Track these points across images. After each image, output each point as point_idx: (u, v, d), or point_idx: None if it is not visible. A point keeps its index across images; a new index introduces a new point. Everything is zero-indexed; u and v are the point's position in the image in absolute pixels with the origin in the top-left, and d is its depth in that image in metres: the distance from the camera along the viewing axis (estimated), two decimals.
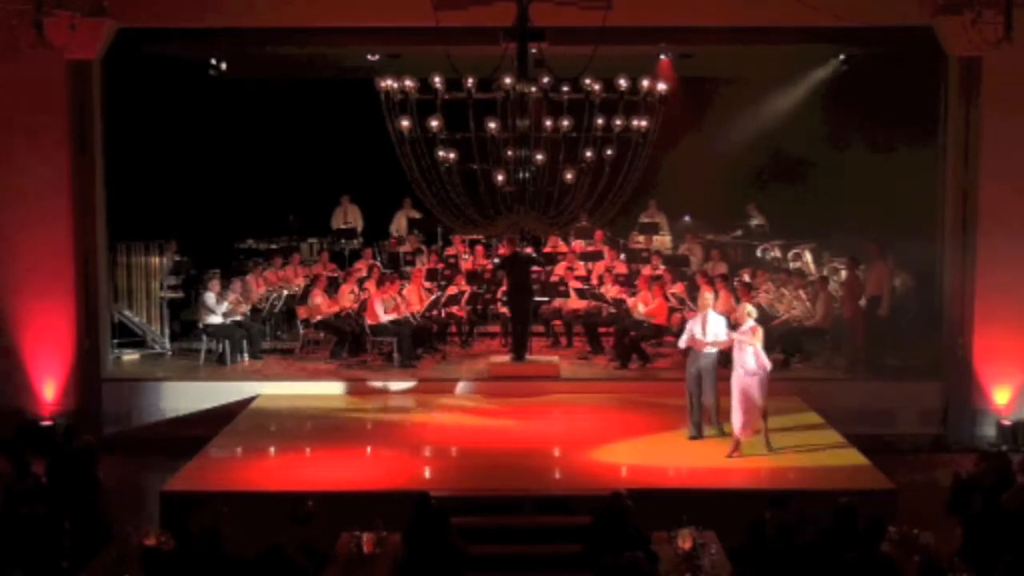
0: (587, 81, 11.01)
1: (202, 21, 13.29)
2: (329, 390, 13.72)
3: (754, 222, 18.60)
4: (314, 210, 19.14)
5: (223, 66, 17.91)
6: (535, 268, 15.52)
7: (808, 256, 17.46)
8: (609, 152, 11.40)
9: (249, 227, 18.73)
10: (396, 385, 13.80)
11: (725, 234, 18.84)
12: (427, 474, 11.09)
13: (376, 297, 14.56)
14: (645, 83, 11.18)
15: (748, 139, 18.24)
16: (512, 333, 14.49)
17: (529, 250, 15.71)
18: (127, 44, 13.54)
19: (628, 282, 15.65)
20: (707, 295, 13.48)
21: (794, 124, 17.62)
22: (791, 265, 17.33)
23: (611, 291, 15.39)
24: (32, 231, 13.37)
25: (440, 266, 16.91)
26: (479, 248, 17.32)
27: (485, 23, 12.06)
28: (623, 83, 11.13)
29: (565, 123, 11.01)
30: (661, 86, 11.22)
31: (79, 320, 13.53)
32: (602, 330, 15.29)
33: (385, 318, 14.48)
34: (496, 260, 16.39)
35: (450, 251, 17.83)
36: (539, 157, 11.07)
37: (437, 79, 11.03)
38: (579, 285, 15.71)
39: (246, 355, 14.85)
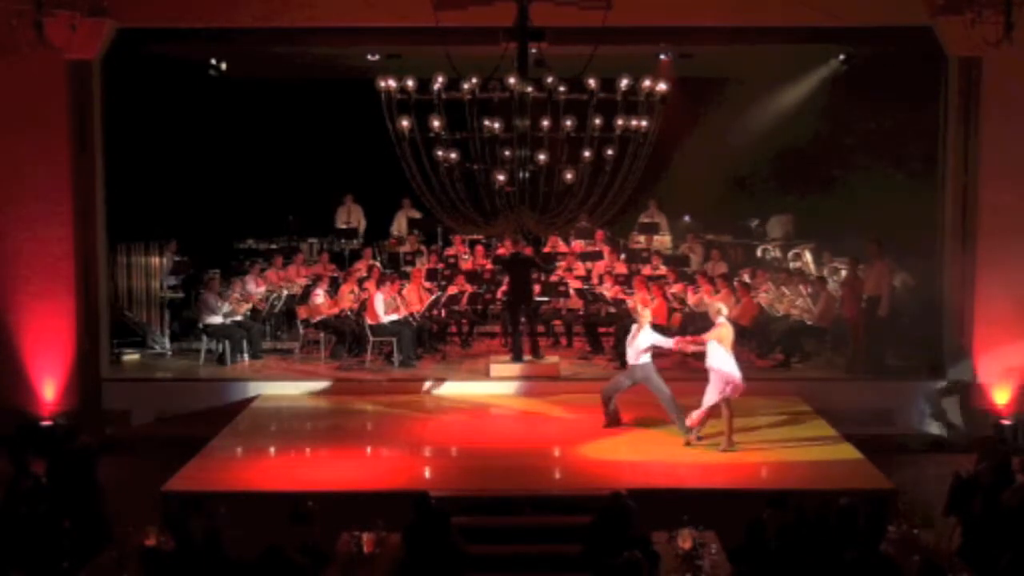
0: (590, 81, 11.01)
1: (202, 21, 13.29)
2: (329, 390, 13.72)
3: (754, 222, 18.58)
4: (314, 210, 19.13)
5: (223, 66, 17.90)
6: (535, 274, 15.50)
7: (808, 256, 17.46)
8: (609, 152, 11.39)
9: (249, 227, 18.72)
10: (396, 385, 13.78)
11: (731, 235, 18.84)
12: (427, 474, 11.08)
13: (376, 297, 14.57)
14: (645, 83, 11.18)
15: (748, 139, 18.22)
16: (512, 333, 14.49)
17: (529, 251, 15.69)
18: (127, 44, 13.52)
19: (628, 282, 15.64)
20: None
21: (793, 124, 17.60)
22: (791, 265, 17.33)
23: (611, 291, 15.38)
24: (32, 231, 13.36)
25: (440, 266, 16.91)
26: (479, 248, 17.32)
27: (485, 23, 12.05)
28: (623, 83, 11.14)
29: (568, 123, 11.00)
30: (661, 86, 11.21)
31: (79, 320, 13.51)
32: (602, 330, 15.28)
33: (385, 318, 14.48)
34: (496, 258, 16.40)
35: (450, 251, 17.83)
36: (541, 157, 11.07)
37: (438, 79, 11.02)
38: (579, 285, 15.71)
39: (246, 355, 14.85)
